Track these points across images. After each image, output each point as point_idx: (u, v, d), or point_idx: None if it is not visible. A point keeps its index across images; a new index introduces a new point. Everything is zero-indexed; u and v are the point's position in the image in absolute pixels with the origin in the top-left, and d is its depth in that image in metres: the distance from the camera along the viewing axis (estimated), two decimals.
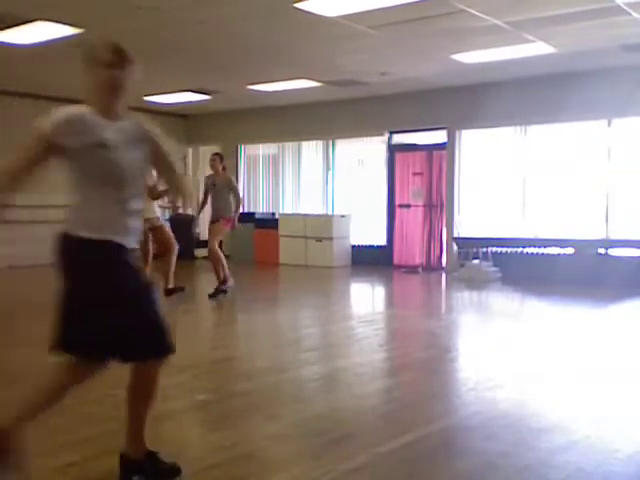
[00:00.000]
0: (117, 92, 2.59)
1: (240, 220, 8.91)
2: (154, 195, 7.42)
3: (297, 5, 6.64)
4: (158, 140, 2.78)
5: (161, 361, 2.77)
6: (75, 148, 2.56)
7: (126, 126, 2.66)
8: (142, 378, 2.81)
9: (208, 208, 8.50)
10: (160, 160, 2.82)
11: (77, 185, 2.69)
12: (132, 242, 2.72)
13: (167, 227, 8.05)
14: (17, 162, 2.58)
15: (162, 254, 7.97)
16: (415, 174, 11.98)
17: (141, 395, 2.86)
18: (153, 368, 2.78)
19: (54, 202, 12.35)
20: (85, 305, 2.66)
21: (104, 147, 2.56)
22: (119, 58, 2.56)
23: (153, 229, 7.78)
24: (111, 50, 2.56)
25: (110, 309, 2.62)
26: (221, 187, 8.22)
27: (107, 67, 2.55)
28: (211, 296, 7.96)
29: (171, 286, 7.85)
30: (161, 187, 7.28)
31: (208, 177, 8.48)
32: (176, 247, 7.95)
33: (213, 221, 8.29)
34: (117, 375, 4.63)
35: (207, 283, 11.29)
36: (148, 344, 2.70)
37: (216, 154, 8.63)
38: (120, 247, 2.65)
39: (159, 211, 8.05)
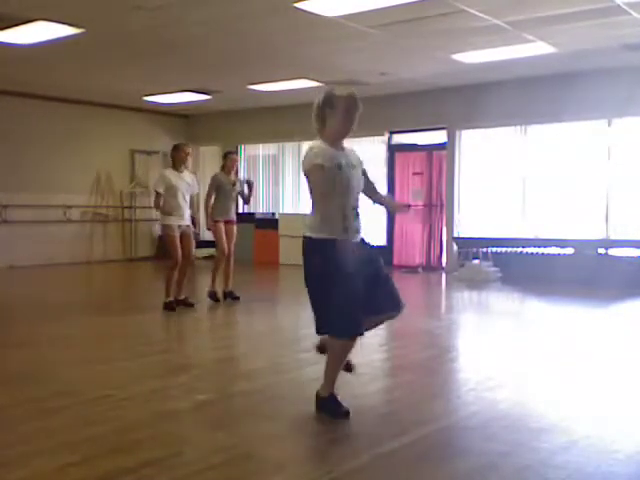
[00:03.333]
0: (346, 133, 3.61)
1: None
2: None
3: (297, 5, 6.64)
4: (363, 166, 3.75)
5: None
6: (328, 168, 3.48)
7: (349, 153, 3.65)
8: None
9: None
10: (367, 181, 3.75)
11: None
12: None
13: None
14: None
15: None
16: (415, 174, 11.98)
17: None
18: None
19: (54, 202, 12.40)
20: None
21: (339, 168, 3.50)
22: (355, 110, 3.59)
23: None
24: (353, 103, 3.58)
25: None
26: (236, 188, 7.89)
27: (346, 113, 3.55)
28: (236, 298, 7.86)
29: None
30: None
31: (222, 176, 7.79)
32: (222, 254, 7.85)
33: (229, 222, 7.88)
34: (117, 375, 4.64)
35: (205, 283, 11.28)
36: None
37: (236, 153, 8.46)
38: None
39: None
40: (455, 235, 11.29)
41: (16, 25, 7.51)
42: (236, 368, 4.97)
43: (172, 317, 7.03)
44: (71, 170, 12.66)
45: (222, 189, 7.72)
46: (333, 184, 3.48)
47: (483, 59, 8.96)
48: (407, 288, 10.15)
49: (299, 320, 7.05)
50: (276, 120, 13.23)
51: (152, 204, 7.65)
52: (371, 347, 5.62)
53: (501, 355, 5.31)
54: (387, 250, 12.23)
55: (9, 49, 8.48)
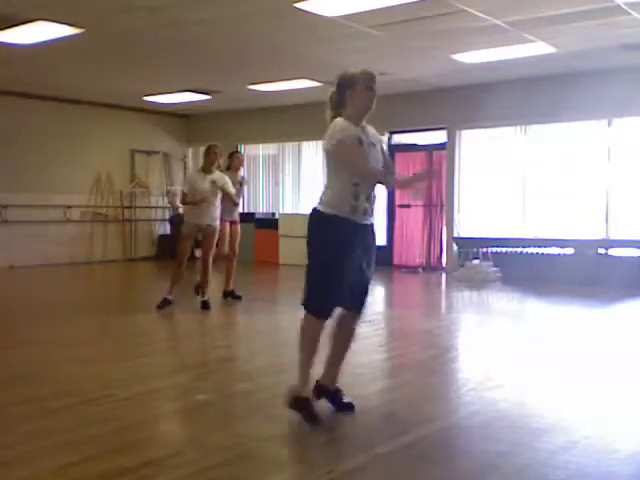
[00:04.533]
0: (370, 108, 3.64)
1: None
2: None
3: (297, 5, 6.64)
4: (383, 145, 3.81)
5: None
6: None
7: (369, 131, 3.68)
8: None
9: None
10: (385, 160, 3.73)
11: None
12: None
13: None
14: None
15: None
16: (415, 174, 11.95)
17: (344, 339, 3.72)
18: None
19: (54, 202, 12.40)
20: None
21: (361, 144, 3.52)
22: (374, 84, 3.59)
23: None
24: (370, 77, 3.58)
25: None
26: (242, 187, 8.02)
27: (367, 90, 3.57)
28: (237, 297, 7.94)
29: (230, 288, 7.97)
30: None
31: (229, 175, 7.61)
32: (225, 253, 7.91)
33: (233, 222, 7.96)
34: (117, 376, 4.64)
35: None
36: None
37: (241, 152, 8.54)
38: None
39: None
40: (455, 235, 11.29)
41: (16, 25, 7.51)
42: (236, 368, 4.97)
43: (172, 317, 7.03)
44: (71, 170, 12.66)
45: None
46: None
47: (483, 59, 8.96)
48: (407, 288, 10.16)
49: (299, 320, 7.05)
50: (276, 120, 13.22)
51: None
52: (371, 347, 5.62)
53: (501, 355, 5.31)
54: (387, 250, 12.24)
55: (9, 49, 8.48)
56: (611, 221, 10.04)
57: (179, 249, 7.26)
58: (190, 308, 7.35)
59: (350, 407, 3.70)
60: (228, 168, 7.90)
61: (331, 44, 8.28)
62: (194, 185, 7.16)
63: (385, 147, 3.80)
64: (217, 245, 7.58)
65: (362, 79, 3.57)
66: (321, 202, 3.57)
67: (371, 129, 3.71)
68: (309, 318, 3.57)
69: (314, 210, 3.59)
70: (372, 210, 3.60)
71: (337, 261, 3.46)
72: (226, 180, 7.28)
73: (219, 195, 7.23)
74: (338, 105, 3.60)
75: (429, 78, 10.40)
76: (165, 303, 7.17)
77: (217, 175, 7.24)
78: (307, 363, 3.55)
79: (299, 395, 3.53)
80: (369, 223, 3.60)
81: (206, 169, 7.22)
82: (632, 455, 3.12)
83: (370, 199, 3.56)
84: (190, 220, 7.20)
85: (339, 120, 3.54)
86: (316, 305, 3.53)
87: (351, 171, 3.49)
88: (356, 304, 3.66)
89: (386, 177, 3.65)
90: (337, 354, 3.73)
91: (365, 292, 3.66)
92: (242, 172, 8.56)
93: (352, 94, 3.56)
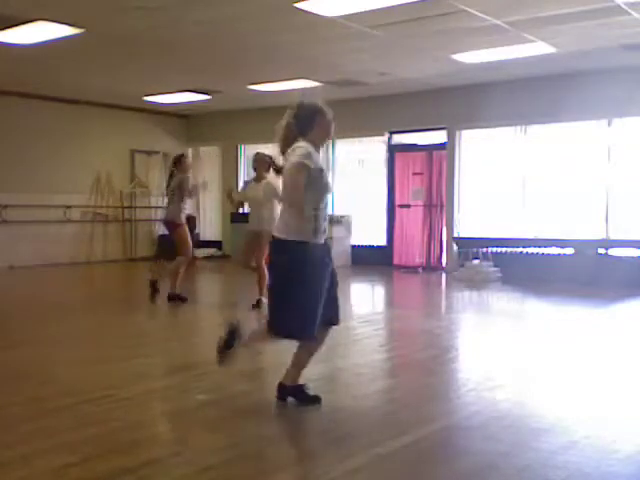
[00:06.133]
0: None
1: None
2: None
3: (297, 5, 6.64)
4: None
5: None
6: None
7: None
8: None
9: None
10: None
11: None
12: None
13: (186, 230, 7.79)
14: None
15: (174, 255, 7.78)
16: (415, 174, 11.97)
17: (310, 351, 3.84)
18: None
19: (54, 202, 12.40)
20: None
21: (321, 172, 3.66)
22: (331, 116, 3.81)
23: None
24: (329, 112, 3.80)
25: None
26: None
27: (331, 121, 3.80)
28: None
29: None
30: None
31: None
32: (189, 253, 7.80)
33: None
34: (117, 376, 4.64)
35: (207, 283, 11.30)
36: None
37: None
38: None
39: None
40: (455, 235, 11.29)
41: (16, 25, 7.51)
42: (236, 368, 4.97)
43: (172, 317, 7.03)
44: (71, 170, 12.66)
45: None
46: (314, 186, 3.60)
47: (483, 59, 8.96)
48: (407, 288, 10.16)
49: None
50: (276, 120, 13.00)
51: None
52: (371, 347, 5.63)
53: (501, 355, 5.31)
54: (387, 250, 12.25)
55: (9, 49, 8.48)
56: (611, 221, 10.04)
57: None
58: (190, 308, 7.35)
59: (317, 400, 3.81)
60: (177, 169, 7.82)
61: (331, 44, 8.28)
62: (245, 194, 7.43)
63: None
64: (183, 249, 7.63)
65: (328, 112, 3.81)
66: (282, 230, 3.69)
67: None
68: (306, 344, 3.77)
69: (277, 240, 3.70)
70: (326, 229, 3.78)
71: (314, 284, 3.61)
72: (271, 189, 7.08)
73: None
74: (304, 128, 3.73)
75: (429, 78, 10.39)
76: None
77: (265, 185, 7.19)
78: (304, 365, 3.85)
79: (289, 384, 3.82)
80: (324, 241, 3.76)
81: (257, 178, 7.30)
82: (632, 455, 3.12)
83: (326, 220, 3.75)
84: (248, 228, 7.43)
85: (304, 144, 3.67)
86: (306, 330, 3.65)
87: (315, 195, 3.61)
88: (334, 318, 3.84)
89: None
90: (304, 360, 3.85)
91: (337, 305, 3.85)
92: (241, 173, 8.55)
93: (321, 121, 3.77)
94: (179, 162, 7.93)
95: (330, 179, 3.85)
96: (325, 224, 3.72)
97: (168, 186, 7.92)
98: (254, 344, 4.03)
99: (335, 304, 3.83)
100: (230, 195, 7.76)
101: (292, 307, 3.63)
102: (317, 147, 3.75)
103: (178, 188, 7.66)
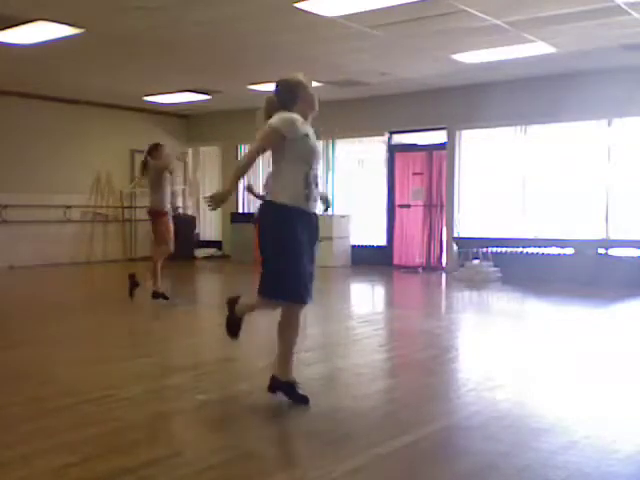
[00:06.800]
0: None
1: None
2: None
3: (297, 5, 6.64)
4: None
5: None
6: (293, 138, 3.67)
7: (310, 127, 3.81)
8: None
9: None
10: None
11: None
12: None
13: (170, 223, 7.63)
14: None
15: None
16: (415, 174, 11.98)
17: (289, 328, 3.82)
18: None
19: (54, 202, 12.40)
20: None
21: (307, 137, 3.71)
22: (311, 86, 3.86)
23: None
24: (309, 84, 3.85)
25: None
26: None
27: (312, 94, 3.84)
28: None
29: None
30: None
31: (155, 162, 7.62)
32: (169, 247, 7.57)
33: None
34: (117, 376, 4.64)
35: (207, 283, 11.30)
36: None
37: None
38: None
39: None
40: (455, 235, 11.29)
41: (16, 25, 7.51)
42: (236, 368, 4.97)
43: (172, 317, 7.03)
44: (71, 170, 12.66)
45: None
46: (300, 151, 3.67)
47: (483, 59, 8.96)
48: (407, 288, 10.16)
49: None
50: None
51: None
52: (371, 347, 5.63)
53: (501, 355, 5.31)
54: (387, 250, 12.25)
55: (9, 49, 8.48)
56: (611, 221, 10.04)
57: None
58: (190, 308, 7.35)
59: (305, 400, 3.80)
60: (152, 157, 7.65)
61: (331, 44, 8.28)
62: None
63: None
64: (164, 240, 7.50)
65: (309, 84, 3.87)
66: (273, 192, 3.72)
67: (311, 128, 3.86)
68: (291, 305, 3.76)
69: (267, 202, 3.75)
70: (318, 197, 3.85)
71: (299, 246, 3.63)
72: None
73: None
74: (287, 103, 3.75)
75: (429, 78, 10.40)
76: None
77: None
78: (290, 352, 3.84)
79: (282, 379, 3.82)
80: (314, 212, 3.81)
81: None
82: (632, 455, 3.12)
83: (318, 186, 3.80)
84: None
85: (294, 114, 3.70)
86: (298, 290, 3.66)
87: (302, 159, 3.68)
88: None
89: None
90: (288, 349, 3.85)
91: (312, 281, 3.79)
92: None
93: (303, 94, 3.80)
94: (155, 150, 7.71)
95: (317, 145, 3.83)
96: (315, 191, 3.74)
97: (142, 176, 7.81)
98: (251, 310, 4.04)
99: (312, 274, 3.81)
100: (251, 189, 7.80)
101: (273, 268, 3.66)
102: (305, 119, 3.77)
103: (156, 175, 7.50)
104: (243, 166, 3.69)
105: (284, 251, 3.63)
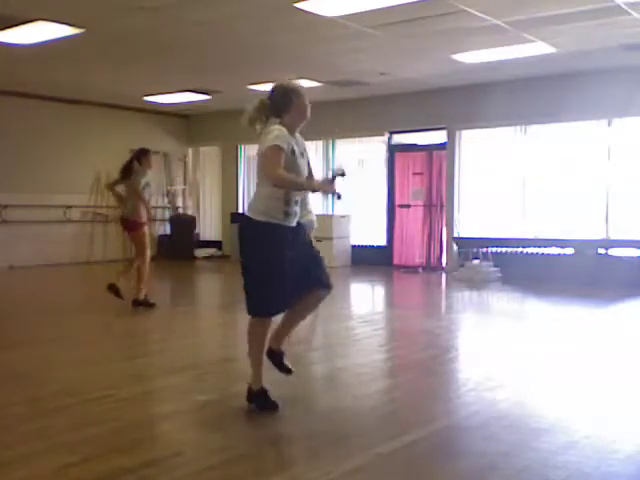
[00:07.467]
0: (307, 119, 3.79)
1: None
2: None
3: (297, 5, 6.64)
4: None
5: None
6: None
7: (299, 140, 3.77)
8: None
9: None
10: (308, 168, 3.88)
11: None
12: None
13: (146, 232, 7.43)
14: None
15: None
16: (415, 174, 11.98)
17: (304, 309, 3.94)
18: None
19: (54, 202, 12.39)
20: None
21: (293, 154, 3.64)
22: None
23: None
24: (305, 94, 3.77)
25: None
26: None
27: (307, 104, 3.75)
28: None
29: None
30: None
31: (142, 170, 7.61)
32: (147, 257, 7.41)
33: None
34: (117, 376, 4.64)
35: (206, 284, 11.30)
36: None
37: None
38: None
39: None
40: (455, 235, 11.29)
41: (16, 25, 7.51)
42: (236, 368, 4.97)
43: (172, 317, 7.03)
44: (71, 170, 12.65)
45: None
46: (286, 168, 3.59)
47: (483, 59, 8.96)
48: (407, 288, 10.16)
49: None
50: None
51: None
52: (371, 347, 5.63)
53: (501, 355, 5.31)
54: (387, 250, 12.25)
55: (9, 49, 8.47)
56: (611, 221, 10.04)
57: None
58: (190, 309, 7.35)
59: (288, 371, 3.96)
60: (141, 164, 7.50)
61: (331, 44, 8.28)
62: None
63: (309, 155, 3.94)
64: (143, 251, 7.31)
65: (304, 93, 3.78)
66: (252, 209, 3.68)
67: (300, 138, 3.82)
68: (255, 321, 3.86)
69: (246, 218, 3.70)
70: (299, 213, 3.79)
71: (276, 264, 3.61)
72: None
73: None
74: (280, 109, 3.70)
75: (429, 78, 10.40)
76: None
77: None
78: (259, 361, 3.87)
79: (254, 389, 3.82)
80: (295, 224, 3.75)
81: None
82: (632, 455, 3.12)
83: (299, 203, 3.74)
84: None
85: (277, 126, 3.63)
86: (263, 308, 3.76)
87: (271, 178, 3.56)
88: (320, 282, 3.81)
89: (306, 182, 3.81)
90: (291, 320, 3.95)
91: (323, 269, 3.84)
92: (241, 173, 8.46)
93: (297, 102, 3.72)
94: (144, 155, 7.53)
95: (304, 162, 3.77)
96: (297, 208, 3.70)
97: (123, 179, 7.51)
98: (253, 348, 3.97)
99: (320, 268, 3.83)
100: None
101: (250, 284, 3.72)
102: (292, 131, 3.70)
103: (137, 182, 7.32)
104: (291, 181, 3.61)
105: (262, 267, 3.63)
